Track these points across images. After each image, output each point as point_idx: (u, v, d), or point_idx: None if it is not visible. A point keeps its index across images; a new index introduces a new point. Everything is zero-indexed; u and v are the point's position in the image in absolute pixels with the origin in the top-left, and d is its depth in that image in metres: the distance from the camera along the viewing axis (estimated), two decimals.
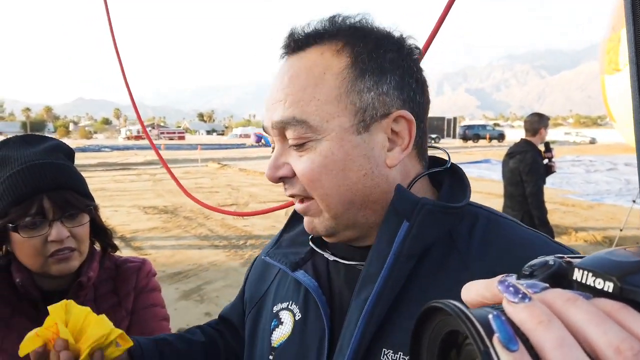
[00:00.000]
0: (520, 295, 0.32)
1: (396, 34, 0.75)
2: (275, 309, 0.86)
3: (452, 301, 0.33)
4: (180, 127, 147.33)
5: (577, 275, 0.35)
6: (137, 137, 79.33)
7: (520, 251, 0.68)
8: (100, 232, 1.33)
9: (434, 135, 46.74)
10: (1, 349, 1.17)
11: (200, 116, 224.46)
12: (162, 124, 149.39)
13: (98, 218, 1.30)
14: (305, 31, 0.74)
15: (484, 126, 48.82)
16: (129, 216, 9.73)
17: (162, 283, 5.56)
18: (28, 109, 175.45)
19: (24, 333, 1.19)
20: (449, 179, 0.79)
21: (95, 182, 15.64)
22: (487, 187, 13.08)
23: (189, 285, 5.55)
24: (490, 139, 45.63)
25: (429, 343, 0.36)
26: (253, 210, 10.00)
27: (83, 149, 39.55)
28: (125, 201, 11.55)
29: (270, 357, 0.81)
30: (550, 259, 0.39)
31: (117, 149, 39.43)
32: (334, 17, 0.74)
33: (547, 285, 0.34)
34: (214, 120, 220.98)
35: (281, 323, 0.83)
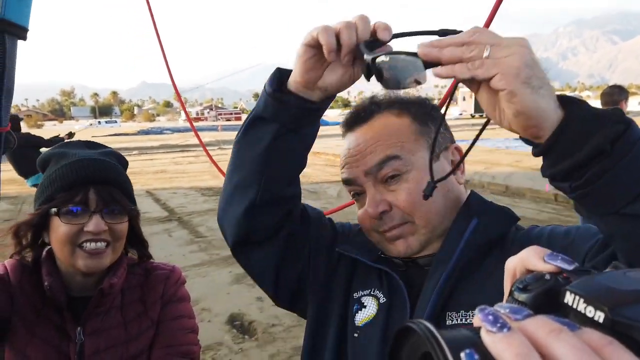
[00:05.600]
0: (499, 325, 0.30)
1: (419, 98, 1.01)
2: (355, 295, 0.98)
3: (426, 324, 0.31)
4: (237, 107, 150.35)
5: (569, 299, 0.33)
6: (197, 119, 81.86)
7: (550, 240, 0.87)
8: (138, 242, 1.33)
9: None
10: (25, 355, 1.16)
11: (256, 96, 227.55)
12: (220, 105, 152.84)
13: (137, 226, 1.30)
14: (365, 107, 0.97)
15: None
16: (186, 198, 9.96)
17: (216, 266, 5.67)
18: (96, 94, 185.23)
19: (49, 340, 1.18)
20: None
21: (156, 164, 16.20)
22: None
23: (242, 269, 5.55)
24: None
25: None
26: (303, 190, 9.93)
27: (147, 132, 41.24)
28: (183, 183, 11.87)
29: (355, 334, 0.93)
30: (547, 273, 0.37)
31: (177, 131, 40.76)
32: (375, 96, 0.99)
33: (531, 312, 0.31)
34: None
35: (363, 307, 0.94)
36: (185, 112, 3.19)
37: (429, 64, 0.63)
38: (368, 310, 0.93)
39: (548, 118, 0.60)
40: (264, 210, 0.96)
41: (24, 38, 0.91)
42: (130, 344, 1.22)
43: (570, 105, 0.62)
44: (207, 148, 3.17)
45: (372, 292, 0.96)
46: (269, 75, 0.88)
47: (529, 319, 0.30)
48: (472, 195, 0.97)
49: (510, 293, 0.39)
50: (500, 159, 13.53)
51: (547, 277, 0.36)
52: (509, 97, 0.59)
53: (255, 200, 0.93)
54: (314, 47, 0.78)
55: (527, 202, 8.62)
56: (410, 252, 0.92)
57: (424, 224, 0.90)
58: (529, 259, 0.40)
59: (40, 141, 6.87)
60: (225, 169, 1.08)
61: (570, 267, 0.38)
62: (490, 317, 0.30)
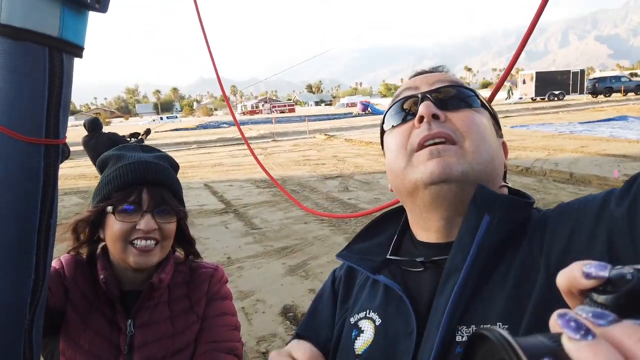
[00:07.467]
0: (582, 332, 0.28)
1: None
2: (352, 320, 0.89)
3: (500, 331, 0.30)
4: (290, 99, 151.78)
5: None
6: (252, 112, 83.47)
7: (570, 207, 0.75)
8: (185, 241, 1.40)
9: (557, 92, 42.30)
10: (78, 345, 1.23)
11: (309, 87, 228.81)
12: (274, 98, 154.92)
13: (185, 226, 1.37)
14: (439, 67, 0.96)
15: (618, 77, 42.45)
16: (241, 190, 10.20)
17: (270, 258, 5.76)
18: (158, 91, 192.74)
19: (100, 331, 1.25)
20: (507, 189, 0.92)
21: (214, 157, 16.69)
22: (622, 149, 11.41)
23: (295, 261, 5.65)
24: (626, 92, 40.01)
25: None
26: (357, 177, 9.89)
27: (205, 126, 42.48)
28: (239, 175, 12.15)
29: None
30: (627, 272, 0.33)
31: (234, 124, 41.57)
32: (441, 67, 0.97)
33: (616, 317, 0.29)
34: (321, 91, 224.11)
35: (362, 332, 0.86)
36: (230, 110, 3.25)
37: None
38: (366, 335, 0.85)
39: None
40: None
41: (80, 56, 0.95)
42: (176, 338, 1.28)
43: None
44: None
45: (367, 315, 0.87)
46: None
47: (615, 325, 0.28)
48: (480, 187, 0.78)
49: (587, 295, 0.35)
50: (563, 145, 12.78)
51: (629, 276, 0.32)
52: None
53: None
54: None
55: (593, 190, 8.13)
56: (445, 176, 0.76)
57: (474, 149, 0.78)
58: (578, 281, 0.35)
59: (123, 141, 7.35)
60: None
61: (605, 273, 0.33)
62: (573, 324, 0.28)
